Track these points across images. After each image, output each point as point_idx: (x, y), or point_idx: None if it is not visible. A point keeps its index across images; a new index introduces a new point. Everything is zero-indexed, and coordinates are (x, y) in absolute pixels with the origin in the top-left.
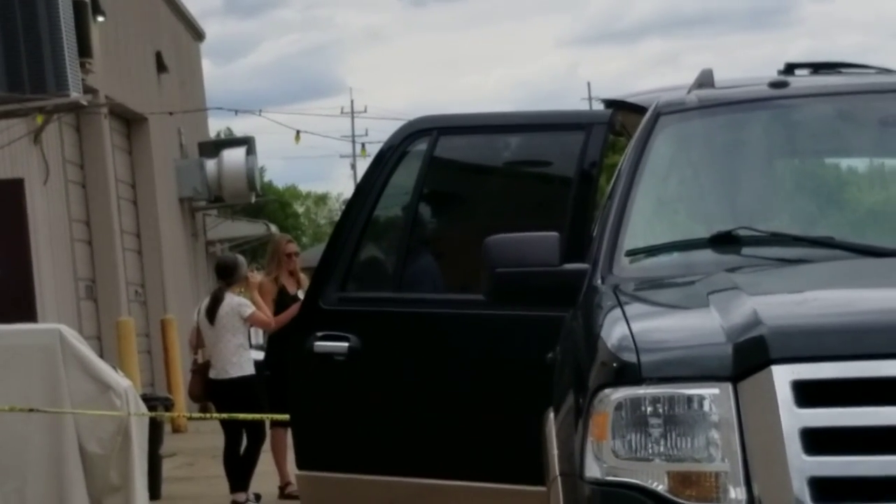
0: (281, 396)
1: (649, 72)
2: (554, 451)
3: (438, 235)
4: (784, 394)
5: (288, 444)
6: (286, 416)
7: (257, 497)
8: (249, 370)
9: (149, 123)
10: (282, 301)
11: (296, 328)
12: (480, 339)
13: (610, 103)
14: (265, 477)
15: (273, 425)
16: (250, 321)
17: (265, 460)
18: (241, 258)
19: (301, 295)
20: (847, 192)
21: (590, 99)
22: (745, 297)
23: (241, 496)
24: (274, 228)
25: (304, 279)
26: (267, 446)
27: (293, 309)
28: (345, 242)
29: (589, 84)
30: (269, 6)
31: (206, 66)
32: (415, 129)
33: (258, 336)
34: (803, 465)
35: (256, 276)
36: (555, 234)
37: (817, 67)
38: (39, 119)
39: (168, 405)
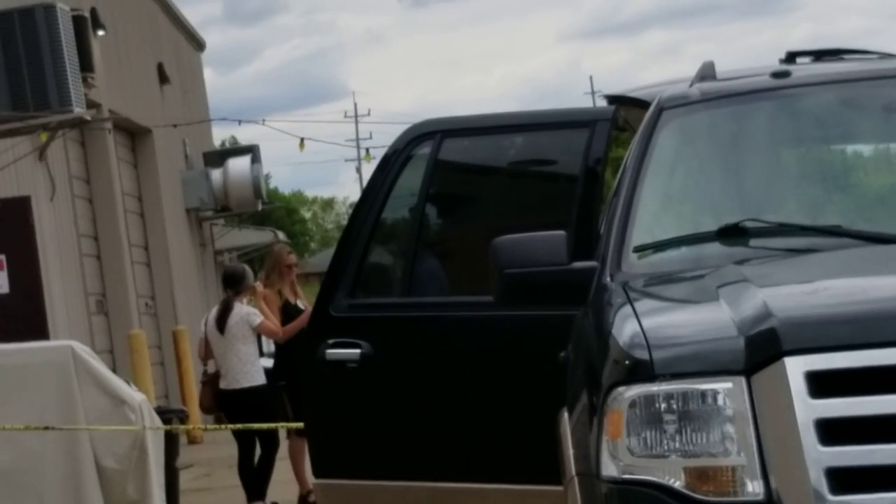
0: (301, 405)
1: (652, 63)
2: (569, 451)
3: (446, 238)
4: (798, 385)
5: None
6: (301, 425)
7: None
8: (260, 380)
9: (153, 136)
10: (286, 312)
11: (307, 336)
12: (491, 341)
13: (613, 99)
14: (282, 486)
15: (291, 434)
16: (259, 330)
17: (281, 469)
18: (247, 268)
19: (301, 305)
20: (853, 179)
21: (592, 93)
22: (755, 289)
23: None
24: (282, 235)
25: (300, 290)
26: (283, 454)
27: (302, 319)
28: (352, 249)
29: (591, 78)
30: (269, 12)
31: (209, 74)
32: (419, 133)
33: (269, 344)
34: (820, 456)
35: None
36: (562, 232)
37: (819, 55)
38: (43, 136)
39: (183, 417)
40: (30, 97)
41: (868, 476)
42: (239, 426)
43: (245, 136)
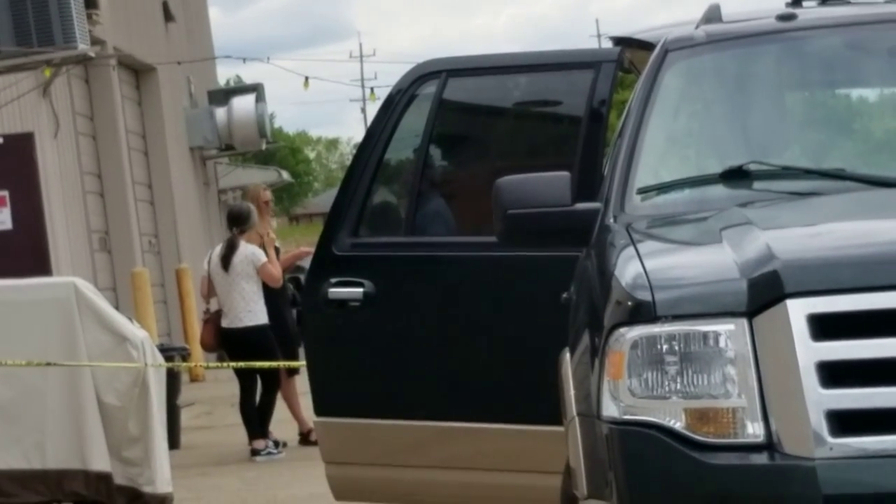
0: (283, 344)
1: (659, 6)
2: (570, 392)
3: (449, 178)
4: (800, 328)
5: (300, 391)
6: (301, 364)
7: (276, 444)
8: (263, 319)
9: (157, 73)
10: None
11: (309, 275)
12: (494, 281)
13: (618, 40)
14: (283, 425)
15: (283, 376)
16: (261, 271)
17: (281, 407)
18: (253, 206)
19: (278, 244)
20: (858, 123)
21: (598, 36)
22: (758, 231)
23: (259, 443)
24: (286, 175)
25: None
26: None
27: (287, 258)
28: (356, 188)
29: (597, 21)
30: None
31: (215, 13)
32: (423, 72)
33: None
34: (820, 399)
35: (271, 233)
36: (566, 173)
37: None
38: (47, 72)
39: (185, 355)
40: (34, 33)
41: (868, 419)
42: (241, 364)
43: (250, 75)
